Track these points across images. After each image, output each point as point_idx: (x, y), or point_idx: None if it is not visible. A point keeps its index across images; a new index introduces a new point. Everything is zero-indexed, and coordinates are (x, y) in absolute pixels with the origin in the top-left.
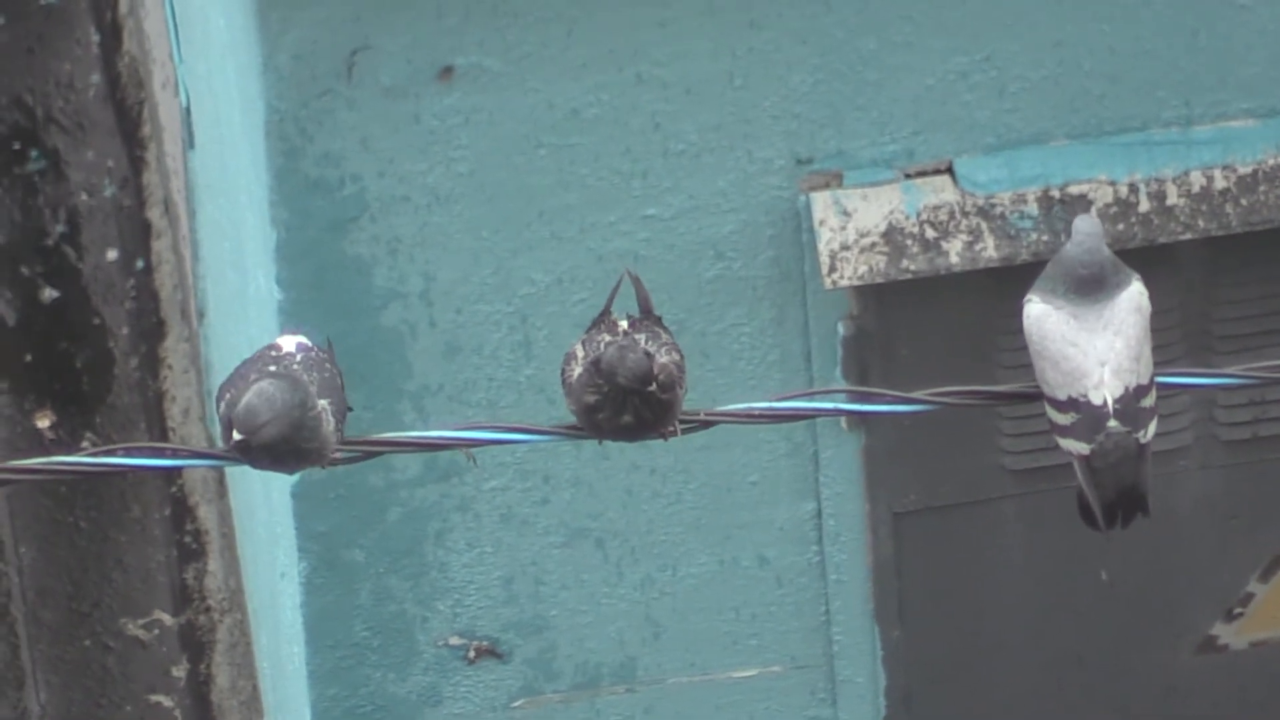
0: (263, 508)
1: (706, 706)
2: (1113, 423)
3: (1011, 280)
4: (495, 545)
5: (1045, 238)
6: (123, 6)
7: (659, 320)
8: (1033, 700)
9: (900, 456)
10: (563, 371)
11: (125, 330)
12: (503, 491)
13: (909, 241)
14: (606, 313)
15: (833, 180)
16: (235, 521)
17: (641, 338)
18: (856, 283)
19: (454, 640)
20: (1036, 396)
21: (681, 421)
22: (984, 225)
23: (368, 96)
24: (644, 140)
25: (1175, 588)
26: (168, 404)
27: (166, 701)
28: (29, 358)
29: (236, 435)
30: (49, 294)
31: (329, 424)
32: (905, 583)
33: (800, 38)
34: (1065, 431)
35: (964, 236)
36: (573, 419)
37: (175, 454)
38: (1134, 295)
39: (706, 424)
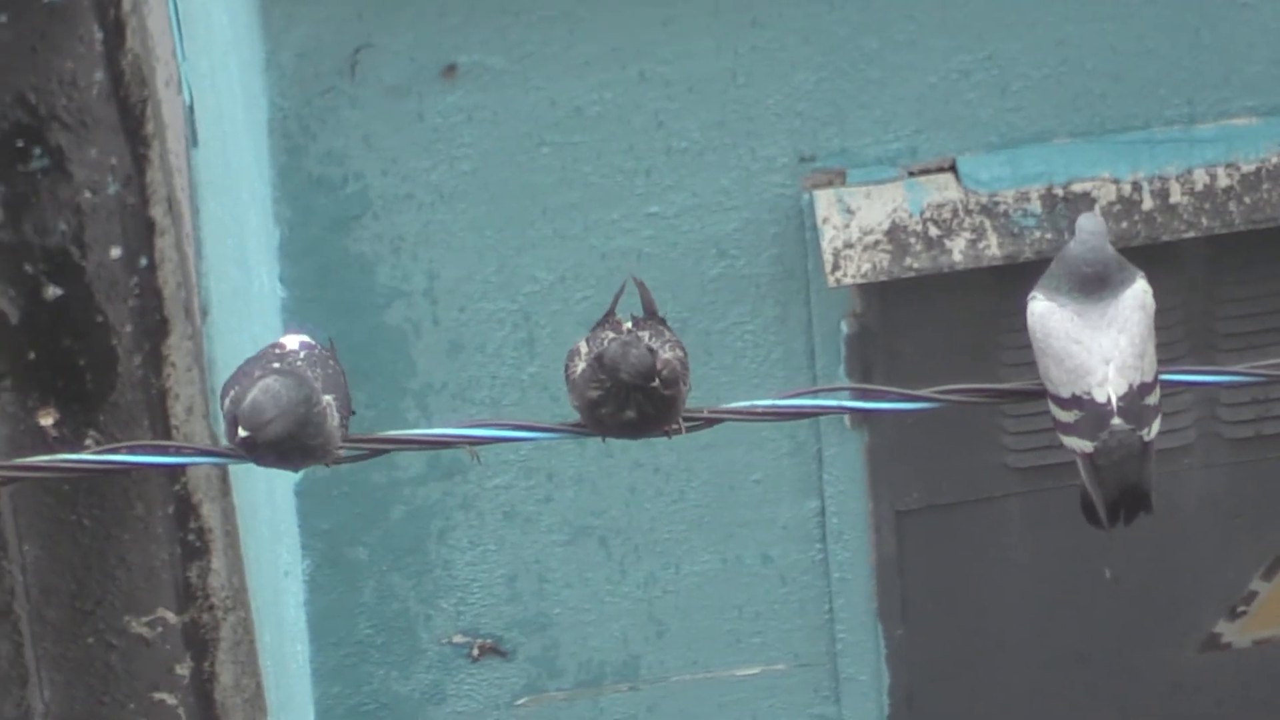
0: (266, 505)
1: (710, 704)
2: (1116, 420)
3: (1015, 278)
4: (498, 543)
5: (1048, 236)
6: (126, 4)
7: (663, 321)
8: (1036, 698)
9: (903, 455)
10: (566, 368)
11: (128, 328)
12: (506, 489)
13: (912, 239)
14: (611, 314)
15: (836, 178)
16: (239, 519)
17: (645, 335)
18: (860, 281)
19: (457, 638)
20: (1040, 394)
21: (685, 419)
22: (987, 223)
23: (371, 94)
24: (647, 138)
25: (1179, 586)
26: (171, 402)
27: (170, 699)
28: (32, 355)
29: (242, 432)
30: (52, 292)
31: (333, 419)
32: (908, 581)
33: (803, 36)
34: (1069, 429)
35: (967, 235)
36: (577, 416)
37: (179, 452)
38: (1138, 293)
39: (710, 422)
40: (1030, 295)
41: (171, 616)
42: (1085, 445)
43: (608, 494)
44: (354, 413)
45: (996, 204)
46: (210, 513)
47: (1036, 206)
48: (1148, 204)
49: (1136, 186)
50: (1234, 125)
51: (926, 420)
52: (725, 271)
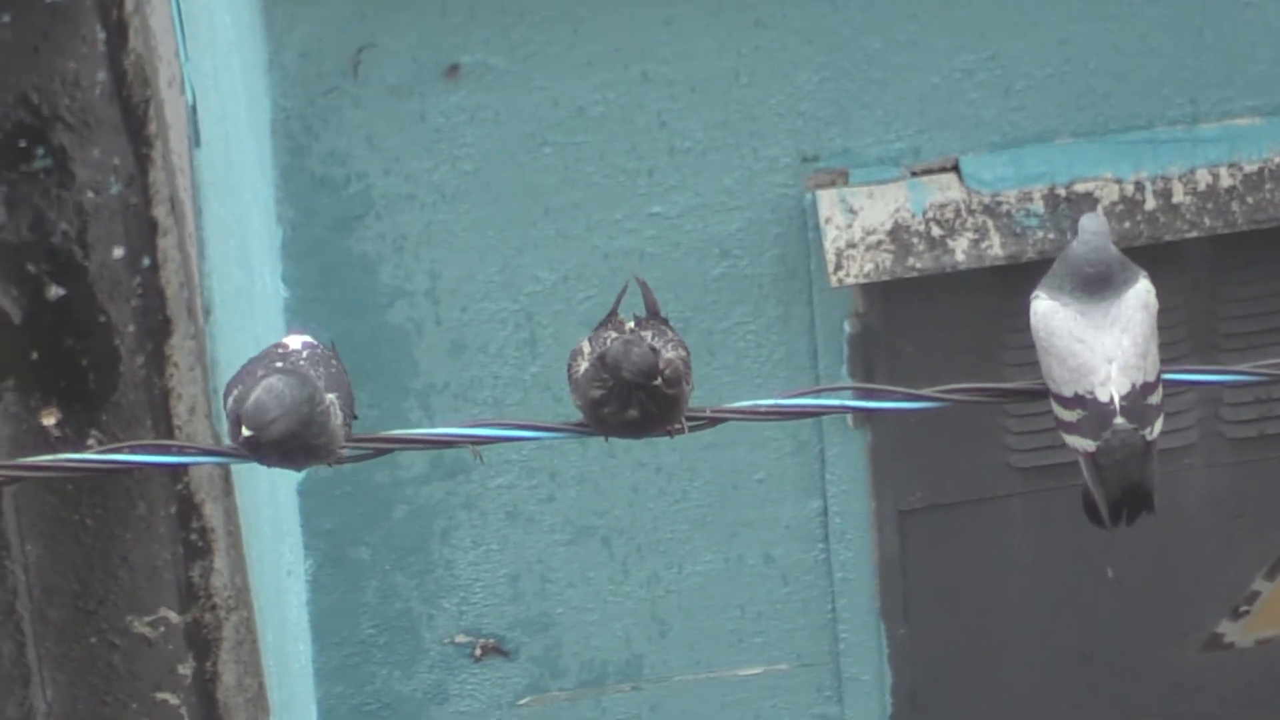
0: (269, 505)
1: (712, 704)
2: (1119, 420)
3: (1017, 278)
4: (501, 543)
5: (1051, 236)
6: (129, 4)
7: (665, 320)
8: (1038, 698)
9: (906, 454)
10: (569, 368)
11: (131, 328)
12: (508, 489)
13: (915, 239)
14: (614, 314)
15: (839, 178)
16: (241, 519)
17: (648, 335)
18: (862, 281)
19: (460, 638)
20: (1043, 394)
21: (688, 419)
22: (990, 223)
23: (373, 94)
24: (650, 138)
25: (1181, 585)
26: (173, 402)
27: (172, 699)
28: (35, 355)
29: (245, 431)
30: (55, 292)
31: (337, 419)
32: (911, 580)
33: (806, 36)
34: (1071, 428)
35: (970, 234)
36: (579, 416)
37: (182, 451)
38: (1141, 292)
39: (713, 421)
40: (1033, 294)
41: (174, 616)
42: (1088, 444)
43: (610, 494)
44: (356, 417)
45: (999, 204)
46: (213, 512)
47: (1039, 206)
48: (1150, 204)
49: (1139, 186)
50: (1237, 125)
51: (929, 420)
52: (728, 271)
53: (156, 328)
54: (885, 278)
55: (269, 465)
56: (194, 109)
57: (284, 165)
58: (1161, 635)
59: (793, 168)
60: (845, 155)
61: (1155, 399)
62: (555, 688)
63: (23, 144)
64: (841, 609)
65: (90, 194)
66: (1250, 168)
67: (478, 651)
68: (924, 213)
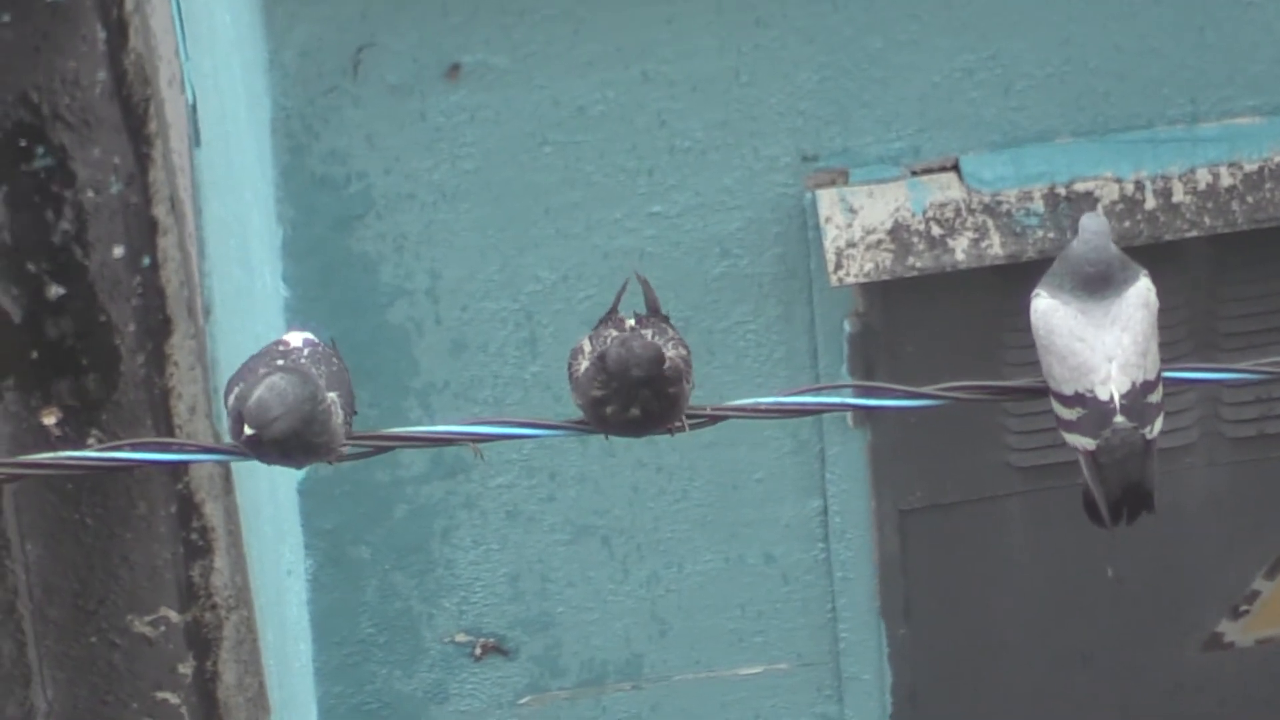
0: (269, 504)
1: (712, 704)
2: (1119, 418)
3: (1017, 278)
4: (501, 542)
5: (1051, 235)
6: (129, 4)
7: (666, 318)
8: (1038, 697)
9: (906, 454)
10: (569, 366)
11: (131, 327)
12: (509, 489)
13: (915, 239)
14: (614, 312)
15: (839, 177)
16: (241, 518)
17: (648, 333)
18: (862, 280)
19: (460, 637)
20: (1044, 392)
21: (688, 417)
22: (990, 223)
23: (374, 94)
24: (650, 138)
25: (1181, 585)
26: (174, 401)
27: (173, 699)
28: (35, 354)
29: (247, 429)
30: (55, 291)
31: (338, 416)
32: (911, 580)
33: (806, 35)
34: (1071, 427)
35: (970, 234)
36: (580, 415)
37: (182, 449)
38: (1142, 291)
39: (714, 419)
40: (1034, 293)
41: (174, 615)
42: (1087, 443)
43: (610, 493)
44: (356, 413)
45: (999, 203)
46: (213, 512)
47: (1039, 206)
48: (1150, 203)
49: (1139, 186)
50: (1237, 125)
51: (929, 419)
52: (728, 271)
53: (157, 327)
54: (885, 277)
55: (270, 463)
56: (194, 108)
57: (284, 164)
58: (1162, 635)
59: (793, 167)
60: (845, 154)
61: (1155, 397)
62: (555, 687)
63: (23, 143)
64: (842, 608)
65: (90, 193)
66: (1250, 167)
67: (478, 651)
68: (924, 212)
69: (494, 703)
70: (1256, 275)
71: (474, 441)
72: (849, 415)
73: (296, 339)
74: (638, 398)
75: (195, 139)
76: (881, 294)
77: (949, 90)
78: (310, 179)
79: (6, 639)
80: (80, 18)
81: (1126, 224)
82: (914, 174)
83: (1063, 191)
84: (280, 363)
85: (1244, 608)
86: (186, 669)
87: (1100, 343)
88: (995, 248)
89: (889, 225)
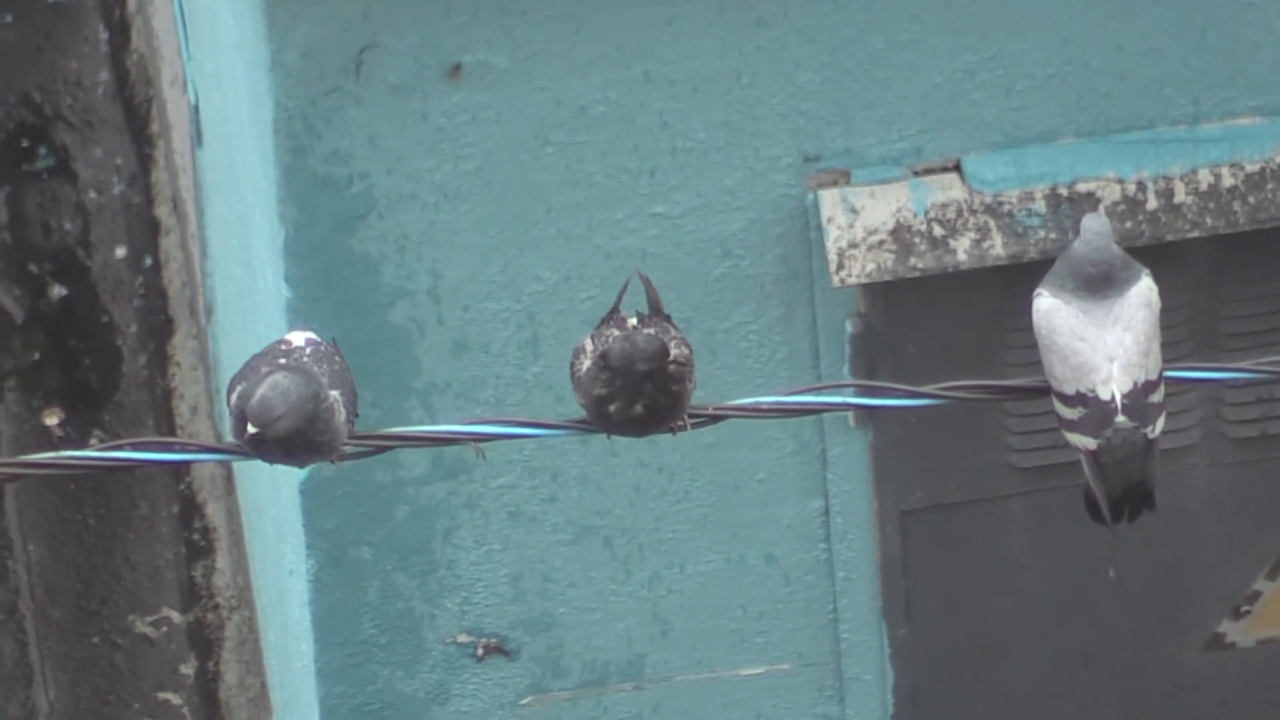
0: (271, 505)
1: (714, 704)
2: (1121, 418)
3: (1019, 278)
4: (503, 543)
5: (1053, 235)
6: (131, 4)
7: (668, 318)
8: (1039, 697)
9: (908, 454)
10: (571, 366)
11: (133, 327)
12: (510, 489)
13: (917, 239)
14: (615, 312)
15: (840, 178)
16: (243, 519)
17: (651, 331)
18: (864, 280)
19: (462, 638)
20: (1045, 392)
21: (690, 416)
22: (992, 223)
23: (376, 94)
24: (651, 138)
25: (1182, 585)
26: (176, 401)
27: (175, 699)
28: (37, 355)
29: (250, 428)
30: (57, 291)
31: (341, 415)
32: (913, 580)
33: (808, 36)
34: (1073, 426)
35: (972, 234)
36: (582, 414)
37: (184, 449)
38: (1143, 290)
39: (715, 418)
40: (1036, 292)
41: (176, 616)
42: (1089, 442)
43: (612, 494)
44: (358, 414)
45: (1001, 204)
46: (215, 512)
47: (1041, 206)
48: (1152, 204)
49: (1141, 186)
50: (1239, 125)
51: (931, 419)
52: (730, 271)
53: (159, 327)
54: (887, 277)
55: (272, 462)
56: (196, 109)
57: (286, 165)
58: (1163, 635)
59: (795, 167)
60: (847, 155)
61: (1157, 397)
62: (557, 687)
63: (25, 144)
64: (843, 609)
65: (93, 193)
66: (1252, 167)
67: (480, 651)
68: (926, 212)
69: (496, 703)
70: (1258, 275)
71: (476, 441)
72: (850, 415)
73: (299, 338)
74: (642, 393)
75: (197, 139)
76: (883, 294)
77: (951, 91)
78: (312, 179)
79: (9, 639)
80: (82, 18)
81: (1128, 224)
82: (916, 174)
83: (1064, 192)
84: (283, 361)
85: (1245, 608)
86: (188, 669)
87: (1102, 342)
88: (997, 248)
89: (891, 226)
